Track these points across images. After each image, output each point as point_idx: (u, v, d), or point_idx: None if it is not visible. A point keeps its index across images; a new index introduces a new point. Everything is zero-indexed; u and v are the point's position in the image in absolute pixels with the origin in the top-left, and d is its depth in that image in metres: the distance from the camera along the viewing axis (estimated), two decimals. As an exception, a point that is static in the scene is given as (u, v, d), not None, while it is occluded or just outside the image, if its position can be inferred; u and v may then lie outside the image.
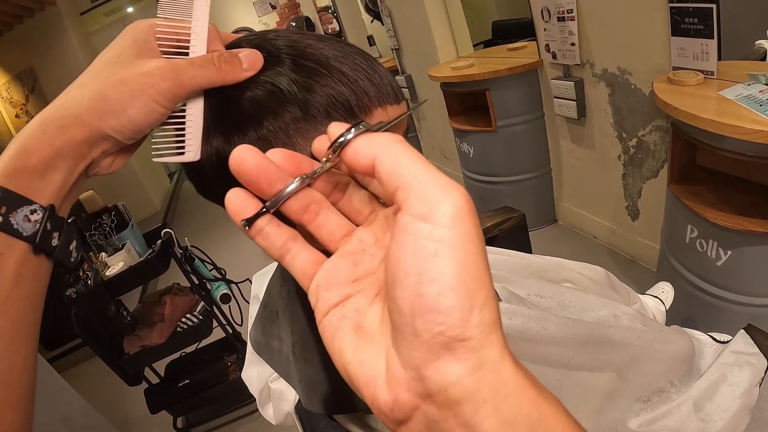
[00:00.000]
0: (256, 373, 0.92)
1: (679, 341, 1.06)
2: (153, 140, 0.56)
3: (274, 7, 8.35)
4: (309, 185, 0.39)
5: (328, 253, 0.40)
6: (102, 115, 0.49)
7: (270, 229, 0.39)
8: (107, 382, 3.48)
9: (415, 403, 0.31)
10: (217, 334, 2.89)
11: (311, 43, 0.58)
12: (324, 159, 0.38)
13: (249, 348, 0.92)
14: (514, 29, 5.50)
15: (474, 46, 4.61)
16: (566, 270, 1.21)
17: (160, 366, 3.06)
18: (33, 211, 0.46)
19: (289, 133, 0.55)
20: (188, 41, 0.55)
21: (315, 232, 0.40)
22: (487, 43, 5.95)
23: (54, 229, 0.48)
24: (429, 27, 4.14)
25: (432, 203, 0.30)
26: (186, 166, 0.60)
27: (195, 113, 0.55)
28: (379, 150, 0.33)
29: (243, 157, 0.37)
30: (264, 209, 0.38)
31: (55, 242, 0.48)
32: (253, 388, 0.94)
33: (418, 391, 0.30)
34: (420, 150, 4.28)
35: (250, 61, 0.54)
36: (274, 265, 0.90)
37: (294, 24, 7.68)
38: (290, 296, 0.74)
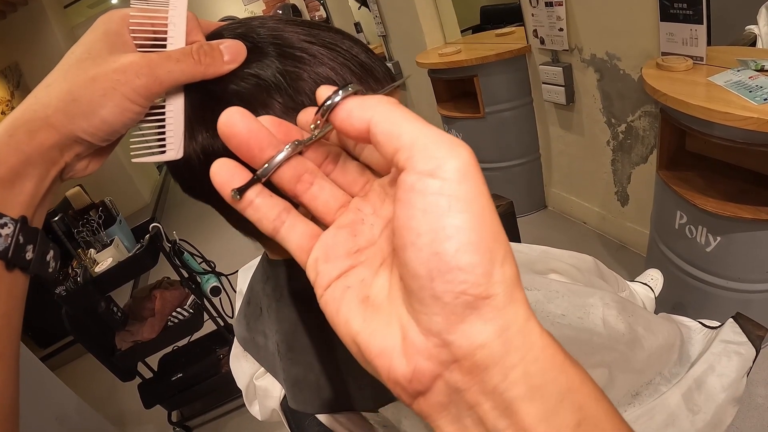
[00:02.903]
0: (242, 366, 0.92)
1: (666, 332, 1.06)
2: (131, 139, 0.53)
3: (260, -5, 8.30)
4: (300, 153, 0.38)
5: (321, 227, 0.38)
6: (72, 117, 0.46)
7: (262, 200, 0.36)
8: (101, 378, 3.48)
9: (436, 372, 0.29)
10: (209, 326, 2.89)
11: (297, 29, 0.56)
12: (313, 126, 0.36)
13: (236, 341, 0.92)
14: (503, 14, 5.48)
15: (462, 31, 4.59)
16: (553, 260, 1.20)
17: (153, 360, 3.06)
18: (3, 225, 0.43)
19: None
20: (165, 32, 0.52)
21: (309, 203, 0.38)
22: (476, 29, 5.92)
23: (27, 241, 0.45)
24: (416, 13, 4.11)
25: (439, 159, 0.28)
26: (170, 164, 0.57)
27: (175, 109, 0.53)
28: (374, 112, 0.31)
29: (233, 119, 0.35)
30: (256, 177, 0.36)
31: (29, 255, 0.46)
32: (241, 383, 0.93)
33: (441, 358, 0.29)
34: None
35: (232, 52, 0.51)
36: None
37: (280, 11, 7.62)
38: (275, 294, 0.72)
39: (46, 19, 6.77)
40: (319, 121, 0.36)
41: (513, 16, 3.49)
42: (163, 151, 0.53)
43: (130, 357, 2.69)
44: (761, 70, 1.81)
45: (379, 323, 0.31)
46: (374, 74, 0.58)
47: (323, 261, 0.35)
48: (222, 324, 2.83)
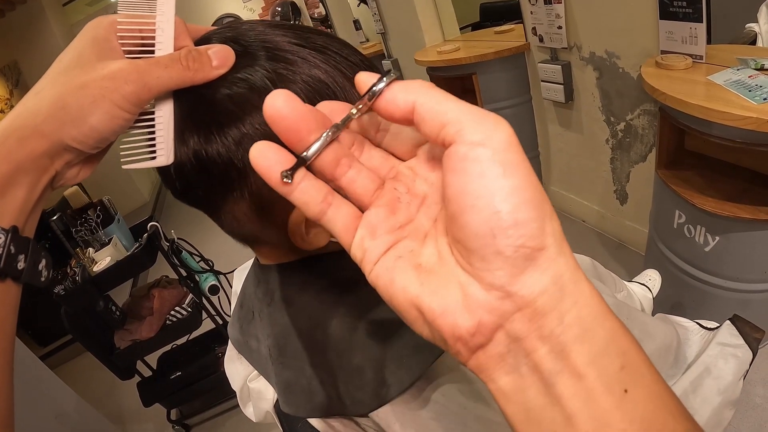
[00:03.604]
0: (237, 368, 0.92)
1: (663, 334, 1.05)
2: (121, 146, 0.53)
3: (259, -8, 8.27)
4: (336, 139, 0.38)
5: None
6: (62, 124, 0.46)
7: (308, 183, 0.37)
8: (100, 377, 3.48)
9: (497, 324, 0.31)
10: (207, 325, 2.89)
11: (286, 33, 0.56)
12: (354, 111, 0.38)
13: (230, 343, 0.91)
14: (502, 11, 5.47)
15: (462, 28, 4.59)
16: None
17: (152, 359, 3.05)
18: None
19: None
20: (153, 38, 0.52)
21: (348, 186, 0.39)
22: (475, 26, 5.92)
23: (19, 251, 0.45)
24: (415, 11, 4.11)
25: (487, 130, 0.31)
26: (160, 170, 0.57)
27: (165, 115, 0.52)
28: (418, 94, 0.33)
29: (279, 102, 0.35)
30: (301, 159, 0.36)
31: (21, 265, 0.46)
32: (235, 385, 0.93)
33: (503, 309, 0.31)
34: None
35: (220, 57, 0.51)
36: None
37: (279, 9, 7.62)
38: (265, 299, 0.72)
39: (44, 17, 6.75)
40: (360, 105, 0.37)
41: (512, 13, 3.48)
42: (154, 157, 0.53)
43: (128, 356, 2.69)
44: (761, 69, 1.80)
45: (437, 285, 0.33)
46: None
47: (369, 238, 0.37)
48: (220, 322, 2.83)
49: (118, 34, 0.50)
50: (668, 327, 1.11)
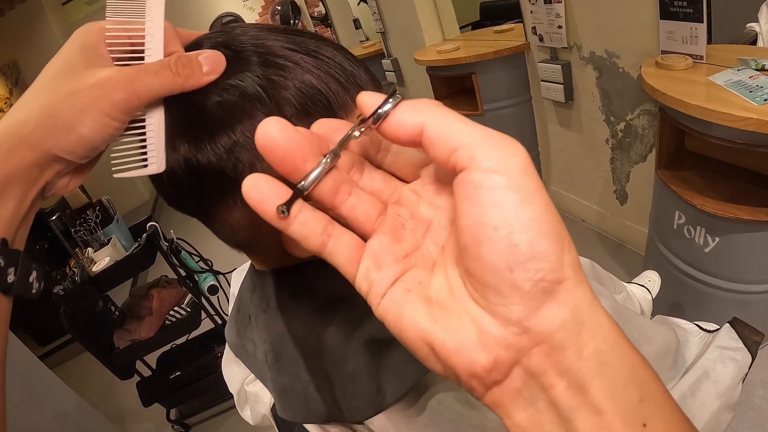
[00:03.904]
0: (234, 371, 0.92)
1: (661, 337, 1.05)
2: (112, 154, 0.52)
3: (259, -9, 8.25)
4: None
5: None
6: (50, 134, 0.45)
7: (306, 215, 0.35)
8: (100, 376, 3.48)
9: (514, 359, 0.30)
10: (207, 324, 2.89)
11: (279, 37, 0.55)
12: (357, 134, 0.36)
13: (227, 346, 0.91)
14: (502, 10, 5.47)
15: (462, 28, 4.58)
16: None
17: (152, 358, 3.05)
18: None
19: None
20: (143, 44, 0.51)
21: (348, 214, 0.37)
22: (475, 25, 5.91)
23: (9, 264, 0.45)
24: (414, 10, 4.10)
25: (502, 155, 0.30)
26: (153, 178, 0.56)
27: (156, 122, 0.52)
28: (426, 116, 0.32)
29: (272, 131, 0.33)
30: (298, 190, 0.34)
31: (11, 278, 0.45)
32: (233, 388, 0.93)
33: (520, 345, 0.30)
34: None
35: (211, 63, 0.50)
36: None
37: (279, 8, 7.58)
38: (261, 305, 0.72)
39: (44, 16, 6.73)
40: (363, 129, 0.35)
41: (512, 12, 3.48)
42: (145, 165, 0.52)
43: (128, 355, 2.69)
44: (762, 69, 1.79)
45: (450, 320, 0.32)
46: (357, 81, 0.57)
47: (375, 270, 0.35)
48: (220, 322, 2.83)
49: (107, 40, 0.50)
50: (667, 330, 1.10)
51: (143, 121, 0.51)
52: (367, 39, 6.10)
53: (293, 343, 0.66)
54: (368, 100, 0.34)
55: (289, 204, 0.34)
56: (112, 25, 0.50)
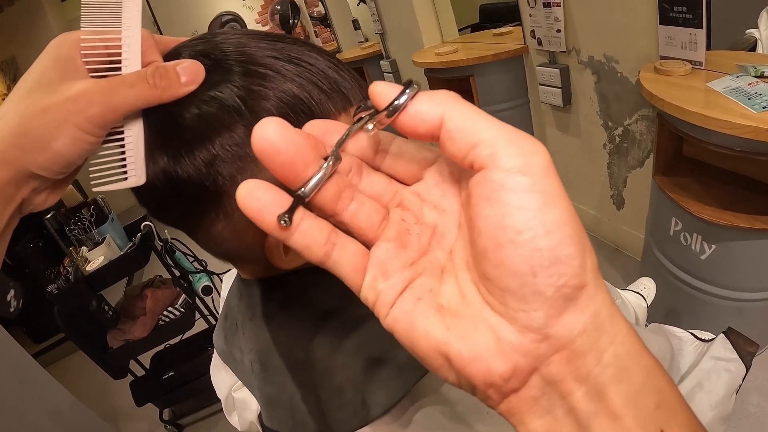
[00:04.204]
0: (222, 377, 0.91)
1: (656, 347, 1.05)
2: (91, 168, 0.51)
3: (259, -10, 8.24)
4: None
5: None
6: (25, 151, 0.44)
7: (309, 224, 0.33)
8: (93, 375, 3.47)
9: (533, 367, 0.29)
10: (200, 325, 2.88)
11: (261, 44, 0.54)
12: (371, 126, 0.34)
13: (215, 352, 0.91)
14: (502, 13, 5.48)
15: (461, 29, 4.60)
16: None
17: (146, 358, 3.05)
18: None
19: (245, 149, 0.50)
20: (119, 54, 0.49)
21: (350, 220, 0.35)
22: (474, 27, 5.93)
23: None
24: (413, 11, 4.10)
25: (525, 155, 0.29)
26: (134, 190, 0.55)
27: (135, 134, 0.50)
28: (446, 108, 0.31)
29: (271, 134, 0.31)
30: (302, 196, 0.32)
31: None
32: (220, 393, 0.92)
33: (540, 353, 0.29)
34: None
35: (189, 73, 0.49)
36: None
37: (279, 7, 7.60)
38: (248, 313, 0.71)
39: (43, 13, 6.72)
40: (375, 122, 0.33)
41: (511, 15, 3.48)
42: (125, 178, 0.51)
43: (121, 355, 2.69)
44: (761, 76, 1.79)
45: (465, 328, 0.31)
46: (341, 89, 0.56)
47: (382, 279, 0.34)
48: (213, 323, 2.81)
49: (83, 51, 0.48)
50: (661, 339, 1.10)
51: (122, 132, 0.50)
52: (366, 40, 6.10)
53: (279, 354, 0.65)
54: (383, 90, 0.32)
55: (290, 212, 0.32)
56: (88, 36, 0.48)
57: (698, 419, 0.31)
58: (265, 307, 0.68)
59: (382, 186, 0.37)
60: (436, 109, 0.31)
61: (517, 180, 0.28)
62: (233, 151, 0.50)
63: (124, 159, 0.51)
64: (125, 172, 0.51)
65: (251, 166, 0.51)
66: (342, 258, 0.34)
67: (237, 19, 7.14)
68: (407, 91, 0.32)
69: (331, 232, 0.34)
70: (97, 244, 2.53)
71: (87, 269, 2.38)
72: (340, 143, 0.35)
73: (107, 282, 2.45)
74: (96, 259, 2.43)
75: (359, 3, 5.92)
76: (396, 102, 0.31)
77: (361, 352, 0.61)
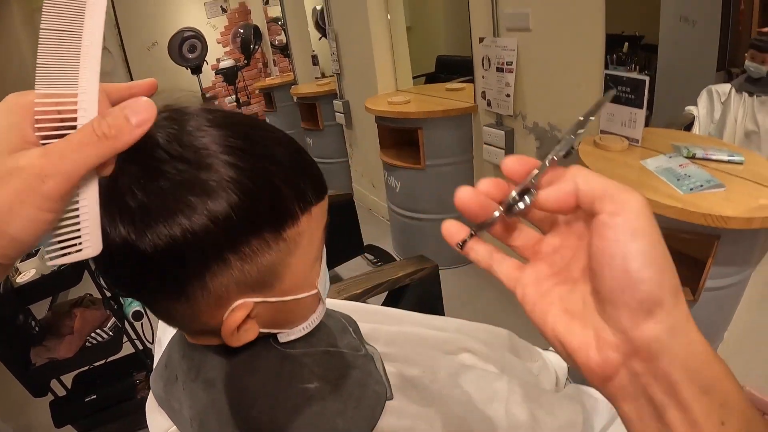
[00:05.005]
0: (157, 419, 0.91)
1: (570, 412, 1.08)
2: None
3: (224, 11, 8.20)
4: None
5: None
6: None
7: (478, 246, 0.48)
8: (12, 390, 3.34)
9: (620, 361, 0.39)
10: (127, 348, 2.80)
11: (236, 142, 0.57)
12: (516, 194, 0.45)
13: (152, 393, 0.91)
14: (458, 65, 5.56)
15: (417, 77, 4.65)
16: (466, 338, 1.21)
17: (68, 377, 2.95)
18: None
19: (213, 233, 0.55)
20: (75, 119, 0.45)
21: (512, 243, 0.49)
22: (430, 76, 6.05)
23: None
24: (372, 56, 4.19)
25: (622, 202, 0.37)
26: (92, 261, 0.52)
27: (89, 201, 0.47)
28: (577, 179, 0.41)
29: (466, 196, 0.46)
30: (473, 232, 0.48)
31: None
32: None
33: (625, 350, 0.38)
34: (350, 177, 4.19)
35: (139, 113, 0.45)
36: None
37: (242, 31, 7.62)
38: (190, 374, 0.74)
39: (7, 1, 6.48)
40: (518, 197, 0.45)
41: (466, 69, 3.56)
42: (80, 249, 0.48)
43: (44, 373, 2.59)
44: (692, 157, 1.91)
45: (577, 327, 0.41)
46: (318, 185, 0.65)
47: (532, 285, 0.45)
48: (141, 348, 2.76)
49: (36, 117, 0.44)
50: (574, 405, 1.13)
51: (76, 201, 0.46)
52: (324, 75, 6.10)
53: (217, 418, 0.69)
54: (514, 165, 0.48)
55: (465, 241, 0.48)
56: (42, 99, 0.44)
57: (762, 420, 0.40)
58: (208, 373, 0.72)
59: (530, 236, 0.49)
60: (571, 186, 0.41)
61: (616, 220, 0.37)
62: (197, 232, 0.53)
63: (78, 229, 0.47)
64: (80, 243, 0.48)
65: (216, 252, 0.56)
66: (500, 269, 0.48)
67: (198, 36, 7.09)
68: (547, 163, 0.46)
69: (492, 252, 0.48)
70: (29, 255, 2.42)
71: (17, 281, 2.30)
72: (505, 209, 0.46)
73: (37, 296, 2.39)
74: (27, 271, 2.35)
75: (320, 38, 5.97)
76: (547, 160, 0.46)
77: (299, 419, 0.66)
